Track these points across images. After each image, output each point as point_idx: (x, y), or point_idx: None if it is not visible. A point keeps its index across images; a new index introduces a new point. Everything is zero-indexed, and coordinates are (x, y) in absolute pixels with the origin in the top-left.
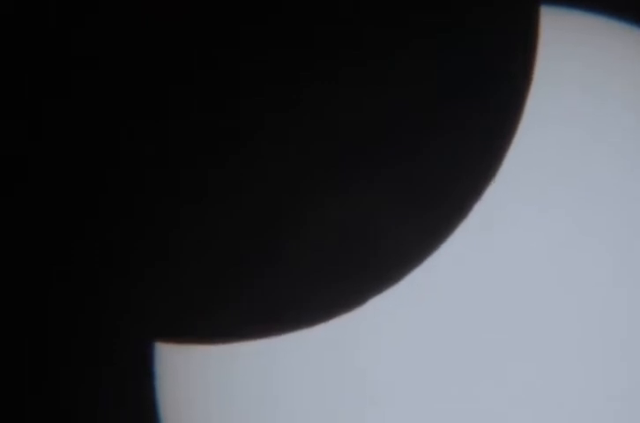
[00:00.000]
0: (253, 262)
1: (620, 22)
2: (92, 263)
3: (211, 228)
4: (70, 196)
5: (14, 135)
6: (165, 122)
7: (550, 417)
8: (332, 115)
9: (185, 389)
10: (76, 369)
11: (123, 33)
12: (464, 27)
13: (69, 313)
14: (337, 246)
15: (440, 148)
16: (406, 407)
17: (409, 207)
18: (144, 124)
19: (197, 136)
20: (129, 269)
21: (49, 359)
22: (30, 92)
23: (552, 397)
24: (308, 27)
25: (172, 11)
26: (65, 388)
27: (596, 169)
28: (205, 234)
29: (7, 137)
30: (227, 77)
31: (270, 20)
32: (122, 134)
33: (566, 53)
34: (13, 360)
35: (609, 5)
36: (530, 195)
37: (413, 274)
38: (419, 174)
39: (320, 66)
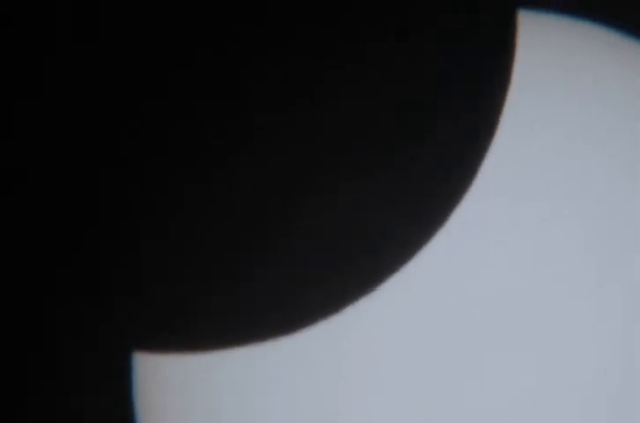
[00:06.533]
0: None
1: (596, 25)
2: (72, 273)
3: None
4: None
5: (14, 134)
6: (164, 121)
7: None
8: (330, 114)
9: (164, 400)
10: (54, 380)
11: (124, 31)
12: (439, 32)
13: (48, 323)
14: (331, 245)
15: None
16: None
17: (399, 205)
18: (143, 124)
19: (197, 135)
20: (109, 278)
21: (28, 370)
22: (29, 91)
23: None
24: (300, 28)
25: None
26: (45, 398)
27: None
28: (191, 242)
29: (7, 136)
30: (227, 76)
31: (267, 20)
32: (122, 133)
33: (544, 56)
34: None
35: (584, 9)
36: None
37: (408, 272)
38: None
39: (314, 67)
